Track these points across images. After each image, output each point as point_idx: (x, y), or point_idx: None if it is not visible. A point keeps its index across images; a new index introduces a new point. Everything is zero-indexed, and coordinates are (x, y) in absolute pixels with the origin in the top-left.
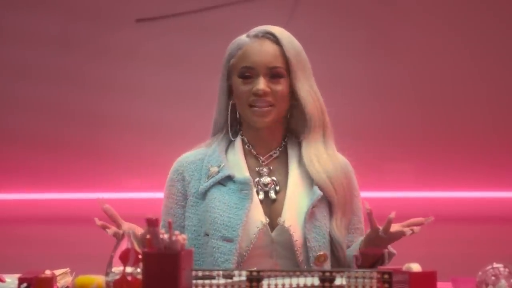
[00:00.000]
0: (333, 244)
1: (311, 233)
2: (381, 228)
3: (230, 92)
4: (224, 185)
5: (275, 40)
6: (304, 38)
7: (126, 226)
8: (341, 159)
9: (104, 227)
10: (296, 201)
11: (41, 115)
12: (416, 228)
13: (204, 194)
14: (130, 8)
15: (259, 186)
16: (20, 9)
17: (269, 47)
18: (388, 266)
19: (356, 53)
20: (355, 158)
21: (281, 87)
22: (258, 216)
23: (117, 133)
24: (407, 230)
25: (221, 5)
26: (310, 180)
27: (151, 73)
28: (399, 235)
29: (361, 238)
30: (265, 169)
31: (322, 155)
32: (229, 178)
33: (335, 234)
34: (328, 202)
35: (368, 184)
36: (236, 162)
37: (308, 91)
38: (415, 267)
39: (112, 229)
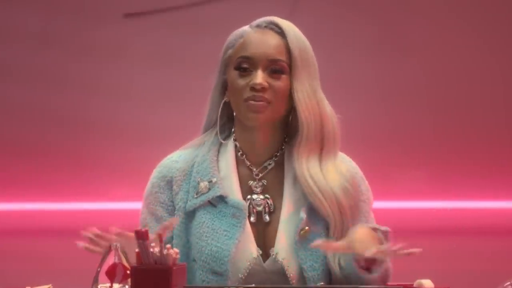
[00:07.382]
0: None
1: (307, 261)
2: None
3: (224, 88)
4: (215, 206)
5: (280, 32)
6: (306, 34)
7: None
8: (345, 170)
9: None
10: (290, 225)
11: (18, 118)
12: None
13: (191, 212)
14: (117, 2)
15: (251, 206)
16: None
17: (272, 39)
18: (399, 283)
19: (364, 51)
20: (362, 165)
21: (281, 83)
22: (249, 247)
23: (103, 137)
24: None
25: None
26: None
27: (139, 73)
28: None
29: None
30: (258, 186)
31: (316, 174)
32: (221, 198)
33: (330, 262)
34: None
35: (376, 193)
36: (228, 176)
37: (308, 94)
38: (427, 283)
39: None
